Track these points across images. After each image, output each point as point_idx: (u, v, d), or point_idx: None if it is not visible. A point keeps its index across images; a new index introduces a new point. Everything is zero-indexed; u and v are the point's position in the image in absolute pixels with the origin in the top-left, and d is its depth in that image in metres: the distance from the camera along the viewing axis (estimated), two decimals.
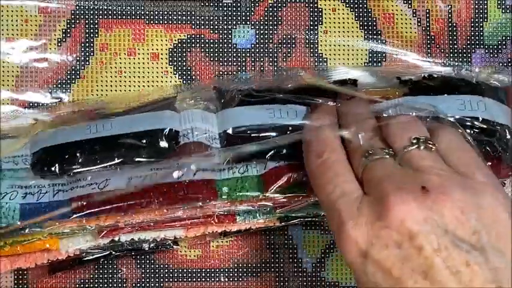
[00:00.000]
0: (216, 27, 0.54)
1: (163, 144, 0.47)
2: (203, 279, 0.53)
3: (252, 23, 0.54)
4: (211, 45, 0.54)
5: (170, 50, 0.54)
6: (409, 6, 0.54)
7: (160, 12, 0.54)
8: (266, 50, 0.54)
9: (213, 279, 0.53)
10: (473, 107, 0.47)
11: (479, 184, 0.39)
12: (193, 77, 0.54)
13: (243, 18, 0.54)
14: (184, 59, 0.54)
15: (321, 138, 0.44)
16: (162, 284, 0.53)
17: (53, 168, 0.46)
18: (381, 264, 0.38)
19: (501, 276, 0.36)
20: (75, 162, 0.46)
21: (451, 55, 0.54)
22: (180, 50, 0.54)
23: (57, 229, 0.47)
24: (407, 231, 0.37)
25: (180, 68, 0.54)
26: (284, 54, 0.54)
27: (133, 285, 0.53)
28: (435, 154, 0.41)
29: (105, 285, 0.52)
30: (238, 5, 0.54)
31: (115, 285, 0.52)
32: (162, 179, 0.47)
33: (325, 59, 0.54)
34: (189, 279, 0.53)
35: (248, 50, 0.54)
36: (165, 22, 0.54)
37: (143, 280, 0.53)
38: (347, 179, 0.41)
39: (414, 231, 0.37)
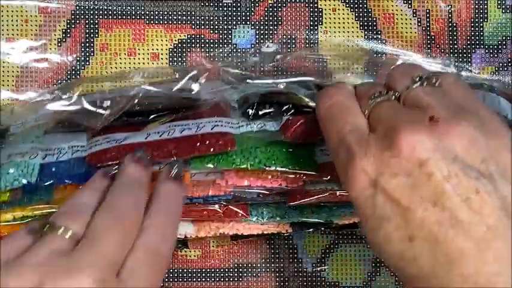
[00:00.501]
0: (216, 27, 0.54)
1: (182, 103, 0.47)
2: (203, 279, 0.53)
3: (252, 23, 0.54)
4: (211, 45, 0.54)
5: (170, 50, 0.54)
6: (409, 6, 0.54)
7: (160, 12, 0.54)
8: None
9: (213, 279, 0.53)
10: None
11: (484, 118, 0.39)
12: None
13: (243, 18, 0.54)
14: (184, 59, 0.54)
15: (332, 85, 0.45)
16: (162, 284, 0.53)
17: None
18: (390, 194, 0.37)
19: (508, 204, 0.36)
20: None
21: (451, 55, 0.54)
22: (180, 50, 0.54)
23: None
24: (417, 159, 0.37)
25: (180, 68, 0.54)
26: (284, 54, 0.54)
27: None
28: (439, 90, 0.41)
29: None
30: (238, 5, 0.54)
31: None
32: (180, 133, 0.46)
33: (325, 59, 0.54)
34: (189, 279, 0.53)
35: (248, 50, 0.54)
36: (165, 22, 0.54)
37: None
38: (357, 116, 0.42)
39: (424, 159, 0.37)
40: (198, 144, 0.46)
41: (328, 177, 0.47)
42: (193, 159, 0.47)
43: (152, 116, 0.48)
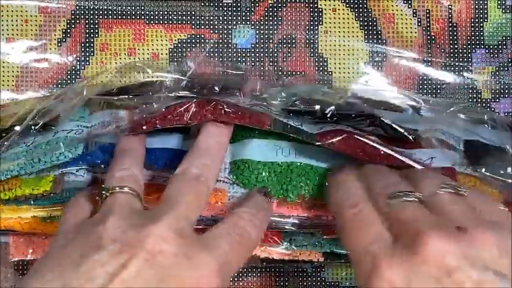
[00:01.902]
0: (216, 27, 0.54)
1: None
2: None
3: (252, 23, 0.54)
4: (211, 45, 0.54)
5: (170, 50, 0.54)
6: (409, 6, 0.54)
7: (160, 12, 0.54)
8: (266, 50, 0.54)
9: None
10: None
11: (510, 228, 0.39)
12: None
13: (243, 18, 0.54)
14: (184, 59, 0.54)
15: (351, 191, 0.44)
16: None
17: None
18: None
19: None
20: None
21: (451, 55, 0.54)
22: (180, 50, 0.54)
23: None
24: (446, 266, 0.36)
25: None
26: (284, 54, 0.54)
27: None
28: (465, 199, 0.41)
29: None
30: (238, 5, 0.54)
31: None
32: (219, 97, 0.47)
33: (325, 59, 0.54)
34: None
35: (248, 50, 0.54)
36: (165, 22, 0.54)
37: None
38: (377, 225, 0.41)
39: (453, 266, 0.36)
40: (234, 115, 0.46)
41: None
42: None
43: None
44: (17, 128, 0.45)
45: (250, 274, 0.53)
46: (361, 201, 0.42)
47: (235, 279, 0.53)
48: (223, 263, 0.39)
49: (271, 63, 0.54)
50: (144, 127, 0.46)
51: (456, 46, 0.55)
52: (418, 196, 0.41)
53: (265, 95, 0.49)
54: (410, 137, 0.47)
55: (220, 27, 0.54)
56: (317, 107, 0.48)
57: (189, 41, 0.54)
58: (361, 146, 0.46)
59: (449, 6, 0.55)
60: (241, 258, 0.42)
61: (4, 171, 0.45)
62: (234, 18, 0.54)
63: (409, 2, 0.54)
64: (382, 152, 0.46)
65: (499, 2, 0.55)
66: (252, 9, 0.54)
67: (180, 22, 0.54)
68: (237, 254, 0.41)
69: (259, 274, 0.54)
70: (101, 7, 0.54)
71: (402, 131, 0.47)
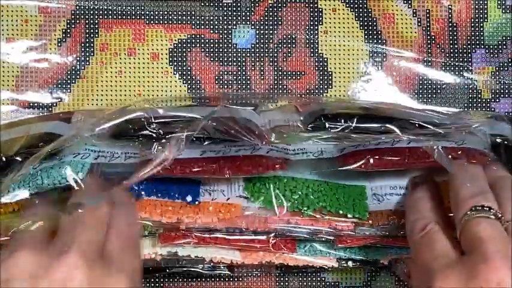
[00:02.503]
0: (216, 27, 0.54)
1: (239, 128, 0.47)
2: (203, 279, 0.53)
3: (252, 23, 0.54)
4: (211, 45, 0.54)
5: (170, 50, 0.54)
6: (409, 6, 0.54)
7: (160, 12, 0.54)
8: (266, 50, 0.54)
9: (213, 279, 0.53)
10: None
11: None
12: (194, 77, 0.54)
13: (243, 18, 0.54)
14: (184, 59, 0.54)
15: (421, 214, 0.45)
16: (162, 284, 0.53)
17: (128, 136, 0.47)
18: None
19: None
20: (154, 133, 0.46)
21: (451, 55, 0.54)
22: (180, 50, 0.54)
23: None
24: None
25: (180, 68, 0.54)
26: (284, 54, 0.54)
27: None
28: None
29: None
30: (238, 5, 0.54)
31: None
32: (235, 153, 0.46)
33: (325, 59, 0.54)
34: (189, 279, 0.53)
35: (248, 50, 0.54)
36: (165, 22, 0.54)
37: (143, 280, 0.53)
38: (442, 244, 0.42)
39: None
40: (250, 167, 0.46)
41: (379, 225, 0.48)
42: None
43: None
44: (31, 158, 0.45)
45: (250, 274, 0.53)
46: (428, 223, 0.43)
47: (235, 279, 0.53)
48: (131, 272, 0.40)
49: (271, 63, 0.54)
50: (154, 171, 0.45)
51: (456, 46, 0.55)
52: (499, 217, 0.41)
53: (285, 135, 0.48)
54: (440, 131, 0.47)
55: (220, 27, 0.54)
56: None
57: (189, 41, 0.54)
58: (389, 157, 0.46)
59: (449, 6, 0.55)
60: (139, 260, 0.43)
61: (11, 194, 0.45)
62: (234, 18, 0.54)
63: (409, 2, 0.54)
64: (407, 154, 0.46)
65: (499, 2, 0.55)
66: (252, 9, 0.54)
67: (180, 22, 0.54)
68: (138, 259, 0.42)
69: (259, 274, 0.53)
70: (101, 7, 0.53)
71: (431, 127, 0.47)
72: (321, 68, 0.54)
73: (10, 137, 0.48)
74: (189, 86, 0.54)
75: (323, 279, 0.54)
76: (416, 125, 0.46)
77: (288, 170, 0.48)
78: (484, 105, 0.55)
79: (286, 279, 0.54)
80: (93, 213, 0.42)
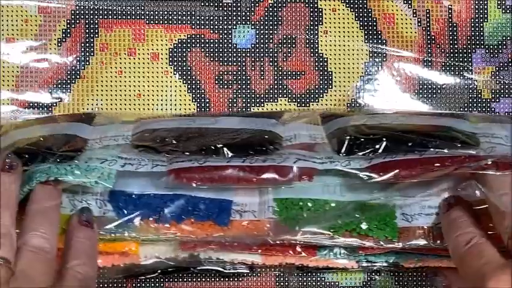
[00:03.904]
0: (216, 27, 0.54)
1: (265, 144, 0.47)
2: (203, 279, 0.53)
3: (252, 23, 0.54)
4: (211, 45, 0.54)
5: (170, 50, 0.54)
6: (409, 6, 0.54)
7: (160, 12, 0.54)
8: (266, 50, 0.54)
9: (213, 279, 0.53)
10: None
11: None
12: (194, 77, 0.54)
13: (243, 18, 0.54)
14: (184, 59, 0.54)
15: (463, 230, 0.46)
16: (162, 284, 0.53)
17: (152, 146, 0.47)
18: None
19: None
20: (178, 144, 0.47)
21: (451, 55, 0.54)
22: (180, 50, 0.54)
23: (147, 229, 0.46)
24: None
25: (180, 68, 0.54)
26: (284, 54, 0.54)
27: (134, 284, 0.53)
28: None
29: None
30: (238, 5, 0.54)
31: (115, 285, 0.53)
32: (262, 162, 0.46)
33: (325, 59, 0.54)
34: (190, 279, 0.53)
35: (248, 50, 0.54)
36: (165, 22, 0.54)
37: (143, 280, 0.53)
38: (490, 252, 0.43)
39: None
40: (277, 176, 0.46)
41: (406, 242, 0.48)
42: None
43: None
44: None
45: (250, 274, 0.53)
46: (473, 237, 0.45)
47: (236, 279, 0.53)
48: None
49: (271, 63, 0.54)
50: (184, 180, 0.45)
51: (456, 46, 0.55)
52: None
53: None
54: (471, 142, 0.47)
55: (220, 27, 0.54)
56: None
57: (189, 41, 0.54)
58: (420, 166, 0.46)
59: (449, 6, 0.55)
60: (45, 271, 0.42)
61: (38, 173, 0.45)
62: (234, 18, 0.54)
63: (409, 2, 0.54)
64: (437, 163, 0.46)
65: (499, 2, 0.55)
66: (252, 9, 0.54)
67: (180, 22, 0.54)
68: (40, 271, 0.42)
69: (259, 274, 0.53)
70: (101, 7, 0.53)
71: (463, 137, 0.47)
72: (321, 68, 0.54)
73: (32, 134, 0.48)
74: (189, 86, 0.54)
75: (323, 279, 0.54)
76: (458, 144, 0.46)
77: (317, 190, 0.47)
78: (484, 105, 0.55)
79: (286, 279, 0.54)
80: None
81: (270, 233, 0.47)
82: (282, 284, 0.54)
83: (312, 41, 0.54)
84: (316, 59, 0.54)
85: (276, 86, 0.54)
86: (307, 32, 0.54)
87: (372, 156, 0.47)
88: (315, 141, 0.49)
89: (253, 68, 0.54)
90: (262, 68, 0.54)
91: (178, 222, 0.47)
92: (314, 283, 0.54)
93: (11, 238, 0.41)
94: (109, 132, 0.49)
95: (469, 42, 0.55)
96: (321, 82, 0.54)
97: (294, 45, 0.54)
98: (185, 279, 0.53)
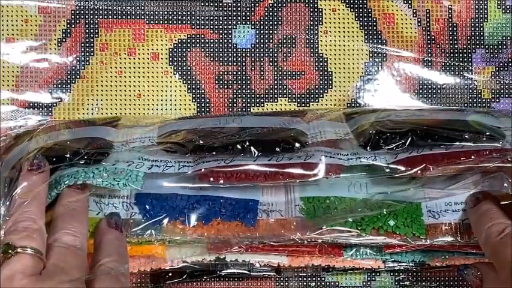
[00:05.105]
0: (216, 27, 0.54)
1: (291, 141, 0.47)
2: (203, 279, 0.53)
3: (252, 23, 0.54)
4: (211, 45, 0.54)
5: (170, 50, 0.54)
6: (409, 6, 0.54)
7: (160, 12, 0.54)
8: (266, 50, 0.54)
9: (213, 279, 0.53)
10: None
11: None
12: (194, 77, 0.54)
13: (243, 18, 0.54)
14: (184, 59, 0.54)
15: (494, 221, 0.46)
16: (162, 284, 0.53)
17: (179, 145, 0.47)
18: None
19: None
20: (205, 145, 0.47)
21: (451, 55, 0.54)
22: (180, 50, 0.54)
23: (173, 230, 0.46)
24: None
25: (180, 68, 0.54)
26: (284, 54, 0.54)
27: (134, 284, 0.53)
28: None
29: None
30: (238, 5, 0.54)
31: None
32: (288, 160, 0.46)
33: (325, 59, 0.54)
34: (189, 279, 0.53)
35: (248, 50, 0.54)
36: (165, 22, 0.54)
37: (143, 280, 0.53)
38: None
39: None
40: (303, 172, 0.46)
41: (434, 239, 0.48)
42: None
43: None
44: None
45: (249, 274, 0.53)
46: (506, 227, 0.45)
47: (236, 279, 0.53)
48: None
49: (271, 63, 0.54)
50: (211, 179, 0.46)
51: (456, 46, 0.55)
52: None
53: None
54: (497, 135, 0.47)
55: (220, 27, 0.54)
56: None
57: (189, 41, 0.54)
58: (447, 160, 0.46)
59: (449, 6, 0.55)
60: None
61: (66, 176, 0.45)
62: (234, 18, 0.54)
63: (409, 2, 0.54)
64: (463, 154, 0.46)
65: (499, 2, 0.55)
66: (252, 9, 0.54)
67: (180, 22, 0.54)
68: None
69: (259, 274, 0.53)
70: (101, 7, 0.54)
71: (488, 131, 0.47)
72: (321, 68, 0.54)
73: (58, 138, 0.48)
74: (189, 86, 0.54)
75: (323, 279, 0.54)
76: (484, 138, 0.47)
77: (343, 188, 0.48)
78: (484, 105, 0.55)
79: (286, 279, 0.54)
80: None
81: (297, 232, 0.47)
82: (281, 284, 0.54)
83: (312, 41, 0.54)
84: (316, 59, 0.54)
85: (276, 86, 0.54)
86: (307, 32, 0.54)
87: (397, 151, 0.47)
88: (340, 137, 0.48)
89: (253, 68, 0.54)
90: (262, 68, 0.54)
91: (205, 224, 0.47)
92: (314, 283, 0.54)
93: (41, 233, 0.42)
94: (134, 134, 0.49)
95: (469, 42, 0.55)
96: (321, 82, 0.54)
97: (294, 45, 0.54)
98: (185, 279, 0.53)
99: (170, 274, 0.52)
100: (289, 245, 0.48)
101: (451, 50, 0.54)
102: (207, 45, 0.54)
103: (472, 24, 0.55)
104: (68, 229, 0.43)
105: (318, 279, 0.54)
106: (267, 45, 0.54)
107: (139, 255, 0.48)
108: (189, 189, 0.47)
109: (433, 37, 0.55)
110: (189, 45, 0.54)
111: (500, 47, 0.55)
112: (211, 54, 0.54)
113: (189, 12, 0.54)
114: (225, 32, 0.54)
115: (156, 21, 0.54)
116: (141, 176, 0.45)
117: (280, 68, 0.54)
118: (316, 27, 0.54)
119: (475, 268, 0.51)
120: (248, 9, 0.54)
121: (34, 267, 0.40)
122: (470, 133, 0.47)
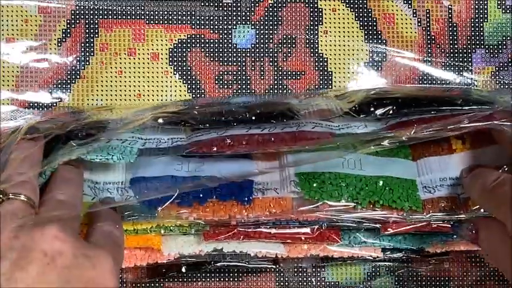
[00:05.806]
0: (216, 27, 0.54)
1: (284, 112, 0.48)
2: (203, 279, 0.53)
3: (252, 23, 0.54)
4: (211, 45, 0.54)
5: (170, 50, 0.54)
6: (409, 6, 0.54)
7: (160, 12, 0.54)
8: (266, 50, 0.54)
9: (213, 279, 0.53)
10: None
11: None
12: (194, 77, 0.54)
13: (243, 18, 0.54)
14: (184, 59, 0.54)
15: (488, 173, 0.47)
16: (162, 284, 0.53)
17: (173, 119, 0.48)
18: None
19: None
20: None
21: (451, 55, 0.54)
22: (180, 50, 0.54)
23: (169, 213, 0.47)
24: None
25: (180, 68, 0.54)
26: (284, 54, 0.54)
27: (134, 285, 0.53)
28: None
29: None
30: (238, 5, 0.54)
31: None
32: (281, 130, 0.47)
33: (325, 59, 0.54)
34: (189, 279, 0.53)
35: (248, 50, 0.54)
36: (165, 22, 0.54)
37: (143, 280, 0.53)
38: None
39: None
40: (296, 140, 0.47)
41: (431, 213, 0.48)
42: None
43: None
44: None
45: (250, 274, 0.53)
46: (500, 175, 0.45)
47: (236, 279, 0.54)
48: (114, 259, 0.41)
49: (271, 63, 0.54)
50: (204, 149, 0.46)
51: (456, 46, 0.55)
52: None
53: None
54: (487, 99, 0.47)
55: (220, 27, 0.54)
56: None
57: (189, 41, 0.54)
58: (437, 121, 0.46)
59: (449, 6, 0.55)
60: (121, 257, 0.44)
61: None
62: (234, 18, 0.54)
63: (409, 2, 0.54)
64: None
65: (499, 2, 0.55)
66: (252, 9, 0.54)
67: (180, 22, 0.54)
68: (117, 253, 0.43)
69: (259, 274, 0.54)
70: (101, 7, 0.53)
71: (477, 97, 0.48)
72: (321, 68, 0.54)
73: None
74: (189, 86, 0.54)
75: (323, 278, 0.54)
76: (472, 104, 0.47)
77: (337, 165, 0.48)
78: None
79: (286, 278, 0.54)
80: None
81: (293, 209, 0.47)
82: (281, 283, 0.54)
83: (312, 41, 0.54)
84: (316, 59, 0.54)
85: (276, 86, 0.54)
86: (307, 32, 0.54)
87: (388, 118, 0.47)
88: (331, 107, 0.49)
89: (253, 68, 0.54)
90: (262, 68, 0.54)
91: (201, 204, 0.47)
92: (314, 283, 0.54)
93: (34, 186, 0.42)
94: (128, 114, 0.50)
95: (469, 42, 0.55)
96: (321, 82, 0.54)
97: (294, 45, 0.54)
98: (185, 280, 0.53)
99: (167, 269, 0.52)
100: (286, 232, 0.49)
101: (451, 50, 0.54)
102: (207, 45, 0.54)
103: (472, 24, 0.55)
104: (63, 190, 0.43)
105: (318, 278, 0.54)
106: (267, 45, 0.54)
107: (136, 246, 0.48)
108: (184, 171, 0.48)
109: (433, 37, 0.55)
110: (189, 45, 0.54)
111: (500, 47, 0.55)
112: (211, 54, 0.54)
113: (189, 12, 0.54)
114: (225, 32, 0.54)
115: (156, 21, 0.54)
116: (135, 151, 0.46)
117: (280, 68, 0.54)
118: (316, 27, 0.54)
119: (470, 223, 0.51)
120: (248, 9, 0.54)
121: (25, 211, 0.40)
122: (461, 99, 0.47)
